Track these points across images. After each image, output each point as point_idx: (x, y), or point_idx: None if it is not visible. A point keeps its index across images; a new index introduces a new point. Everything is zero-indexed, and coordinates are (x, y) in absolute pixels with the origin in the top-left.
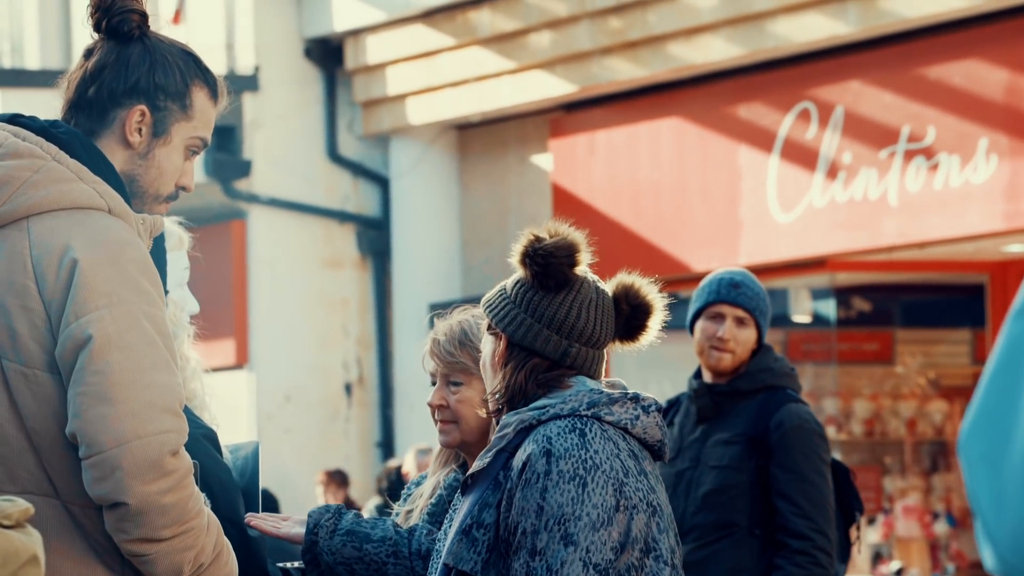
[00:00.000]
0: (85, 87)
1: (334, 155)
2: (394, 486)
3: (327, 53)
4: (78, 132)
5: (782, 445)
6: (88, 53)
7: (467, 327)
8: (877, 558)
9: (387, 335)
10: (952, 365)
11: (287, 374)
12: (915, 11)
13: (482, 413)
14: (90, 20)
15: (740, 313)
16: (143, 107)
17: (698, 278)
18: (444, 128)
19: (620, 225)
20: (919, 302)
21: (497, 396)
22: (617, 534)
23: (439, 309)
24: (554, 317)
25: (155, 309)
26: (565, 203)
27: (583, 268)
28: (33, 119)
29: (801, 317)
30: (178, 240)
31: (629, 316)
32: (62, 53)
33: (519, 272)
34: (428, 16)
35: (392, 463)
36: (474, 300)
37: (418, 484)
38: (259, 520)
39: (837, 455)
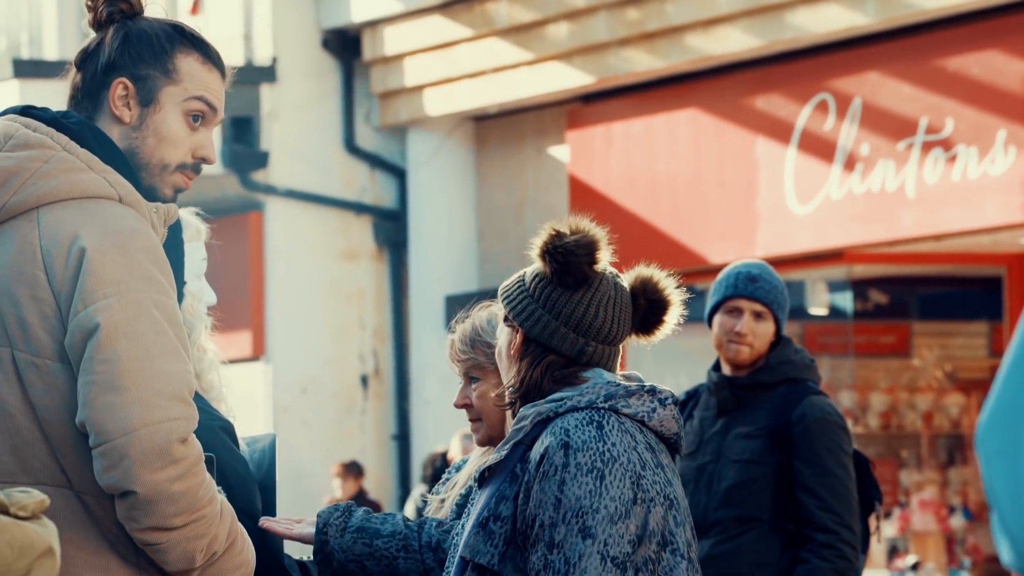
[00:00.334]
0: (76, 78)
1: (351, 146)
2: (439, 473)
3: (344, 44)
4: (89, 122)
5: (804, 439)
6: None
7: (478, 325)
8: (893, 552)
9: (403, 327)
10: (969, 358)
11: (303, 366)
12: (933, 2)
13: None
14: (88, 19)
15: (758, 307)
16: (124, 80)
17: (715, 270)
18: (461, 119)
19: (637, 217)
20: (936, 294)
21: (512, 390)
22: (635, 527)
23: (455, 301)
24: (572, 315)
25: (165, 297)
26: (582, 195)
27: (603, 264)
28: (44, 110)
29: (818, 309)
30: (196, 231)
31: (646, 310)
32: (80, 44)
33: (538, 264)
34: (445, 7)
35: (438, 449)
36: (490, 292)
37: (459, 469)
38: (272, 522)
39: (854, 447)
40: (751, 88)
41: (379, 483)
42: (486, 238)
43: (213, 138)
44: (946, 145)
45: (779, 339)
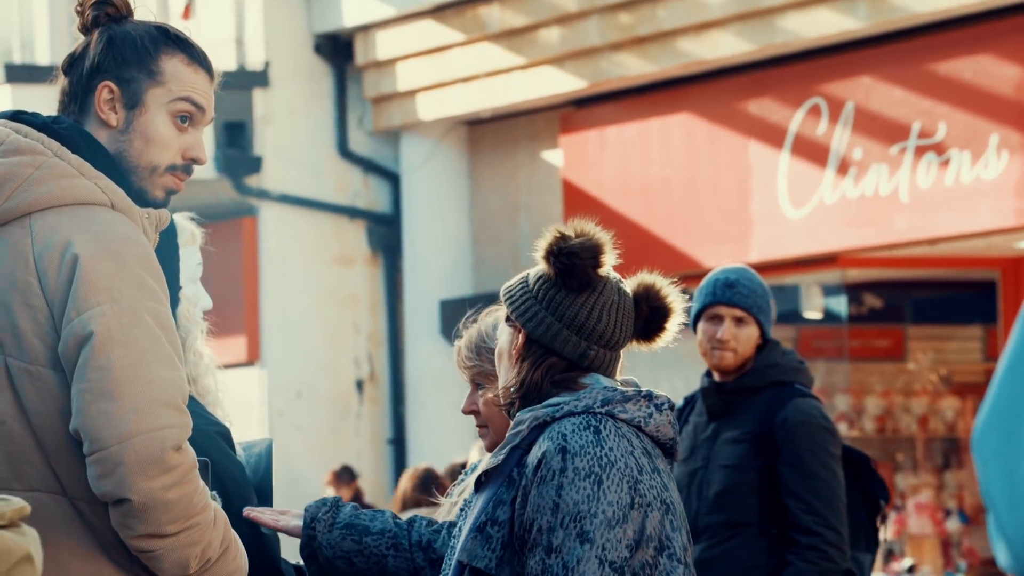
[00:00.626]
0: (64, 82)
1: (344, 151)
2: None
3: (337, 49)
4: (80, 127)
5: (788, 442)
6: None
7: (484, 331)
8: (889, 555)
9: (398, 331)
10: (964, 361)
11: (298, 371)
12: (926, 6)
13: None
14: (77, 23)
15: (738, 312)
16: (109, 83)
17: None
18: (454, 124)
19: (630, 221)
20: (931, 298)
21: (512, 390)
22: (632, 532)
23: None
24: (575, 318)
25: (158, 304)
26: (575, 199)
27: (607, 268)
28: (35, 115)
29: (812, 313)
30: (191, 236)
31: (648, 317)
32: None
33: (542, 266)
34: (438, 12)
35: (457, 460)
36: (484, 296)
37: (473, 471)
38: (257, 512)
39: (854, 447)
40: (744, 92)
41: (374, 488)
42: (480, 242)
43: (203, 139)
44: (939, 149)
45: (765, 342)
